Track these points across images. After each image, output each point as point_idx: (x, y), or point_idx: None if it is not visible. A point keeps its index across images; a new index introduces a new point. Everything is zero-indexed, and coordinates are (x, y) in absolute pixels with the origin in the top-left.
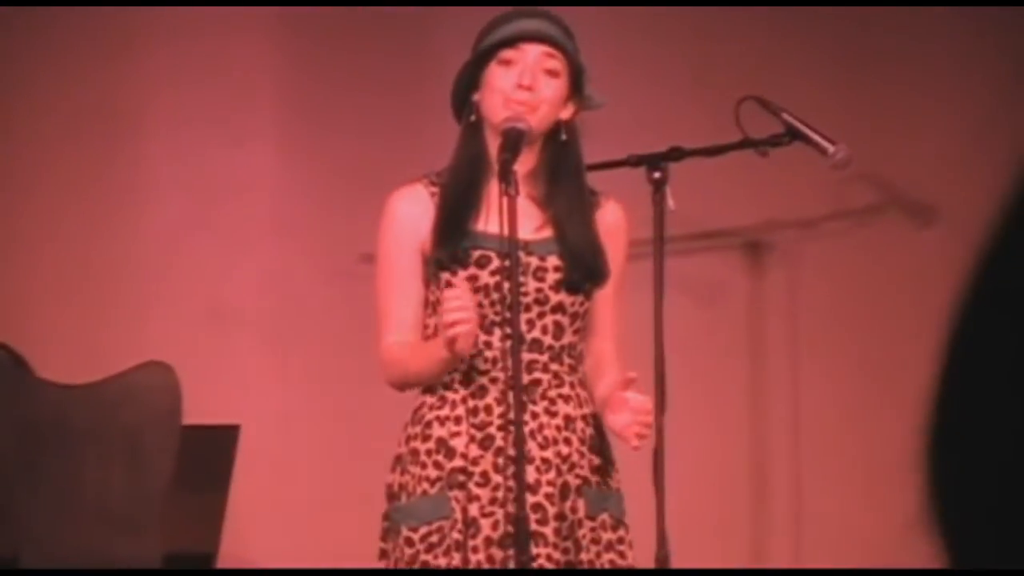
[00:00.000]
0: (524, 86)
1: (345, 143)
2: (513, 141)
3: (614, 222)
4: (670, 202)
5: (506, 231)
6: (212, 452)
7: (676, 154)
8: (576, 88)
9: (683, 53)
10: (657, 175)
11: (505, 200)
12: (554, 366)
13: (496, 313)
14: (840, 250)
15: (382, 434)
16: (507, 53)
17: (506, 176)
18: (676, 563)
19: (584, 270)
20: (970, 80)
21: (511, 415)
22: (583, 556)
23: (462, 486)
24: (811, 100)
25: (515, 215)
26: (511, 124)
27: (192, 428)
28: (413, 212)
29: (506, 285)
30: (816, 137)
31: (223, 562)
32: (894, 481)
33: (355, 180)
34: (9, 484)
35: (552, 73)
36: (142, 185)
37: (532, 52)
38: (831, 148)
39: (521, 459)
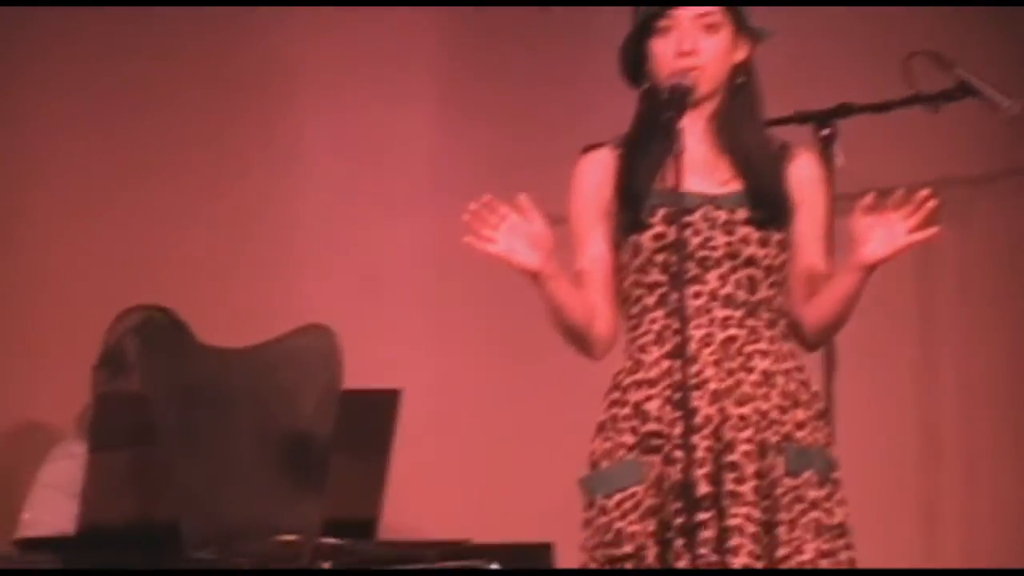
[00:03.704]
0: (684, 52)
1: (507, 103)
2: (677, 99)
3: (808, 176)
4: (839, 157)
5: (679, 188)
6: (373, 417)
7: (845, 110)
8: (742, 28)
9: (852, 8)
10: (826, 132)
11: (671, 159)
12: (750, 321)
13: (687, 269)
14: (1012, 208)
15: (541, 402)
16: (661, 23)
17: (670, 134)
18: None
19: (768, 208)
20: None
21: (706, 373)
22: (782, 515)
23: (657, 450)
24: (979, 55)
25: (681, 172)
26: (675, 81)
27: (352, 392)
28: (595, 177)
29: (695, 240)
30: (990, 91)
31: (384, 529)
32: None
33: (517, 142)
34: (170, 449)
35: (711, 28)
36: (300, 149)
37: (685, 16)
38: (1006, 102)
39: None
